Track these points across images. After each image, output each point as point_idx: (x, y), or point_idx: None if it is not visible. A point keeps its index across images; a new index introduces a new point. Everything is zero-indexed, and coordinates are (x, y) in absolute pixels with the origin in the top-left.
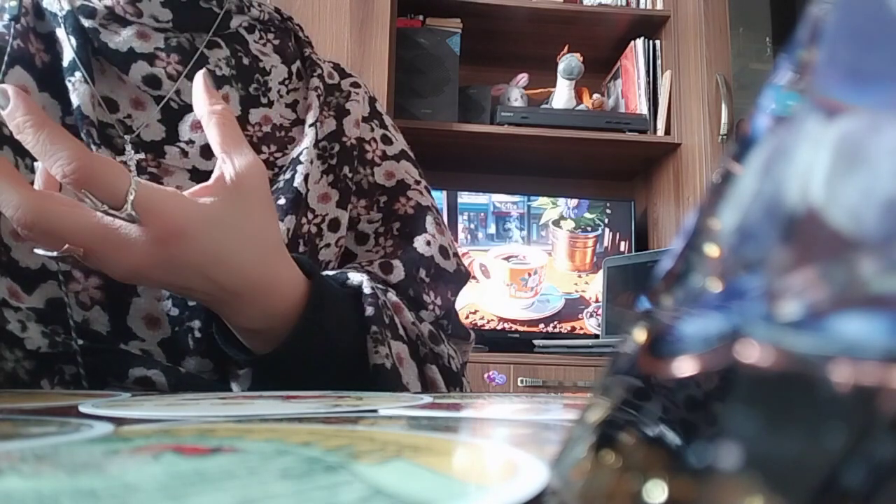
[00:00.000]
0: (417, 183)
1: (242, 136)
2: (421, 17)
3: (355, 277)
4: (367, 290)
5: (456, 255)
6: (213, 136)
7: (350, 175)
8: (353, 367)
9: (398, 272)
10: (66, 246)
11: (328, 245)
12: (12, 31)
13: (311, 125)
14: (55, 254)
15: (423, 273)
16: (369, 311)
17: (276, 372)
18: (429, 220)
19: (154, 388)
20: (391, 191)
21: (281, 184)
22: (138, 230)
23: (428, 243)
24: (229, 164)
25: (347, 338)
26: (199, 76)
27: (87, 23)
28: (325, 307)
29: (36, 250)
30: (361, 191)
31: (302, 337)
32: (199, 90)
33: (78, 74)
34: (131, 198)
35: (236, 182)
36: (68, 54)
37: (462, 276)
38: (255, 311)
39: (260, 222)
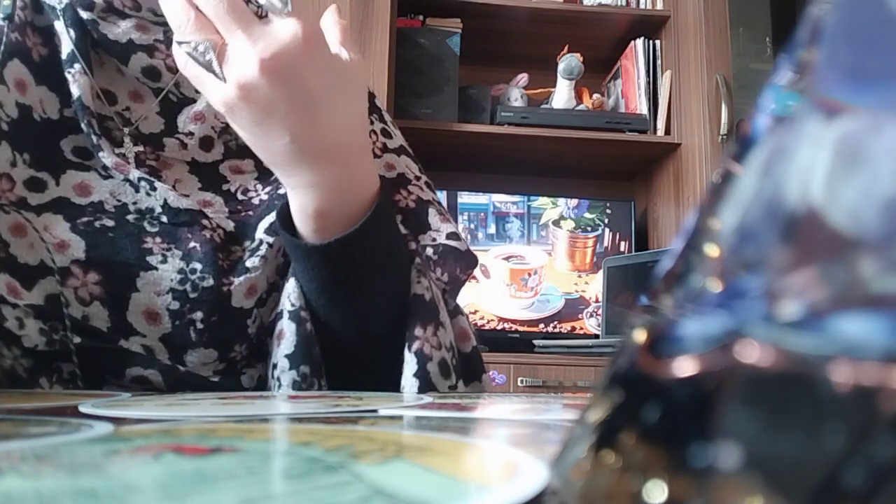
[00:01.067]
0: (417, 178)
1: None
2: (421, 17)
3: None
4: (403, 230)
5: (464, 240)
6: (335, 32)
7: None
8: (399, 291)
9: None
10: (212, 37)
11: None
12: (8, 24)
13: None
14: (194, 45)
15: (430, 251)
16: (412, 245)
17: (334, 266)
18: (431, 212)
19: (152, 388)
20: (391, 182)
21: None
22: (281, 26)
23: (434, 239)
24: (344, 52)
25: (401, 254)
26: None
27: (85, 15)
28: (390, 209)
29: (176, 48)
30: None
31: (374, 224)
32: (330, 12)
33: (77, 66)
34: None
35: (347, 63)
36: (67, 46)
37: (472, 257)
38: (336, 181)
39: (361, 103)
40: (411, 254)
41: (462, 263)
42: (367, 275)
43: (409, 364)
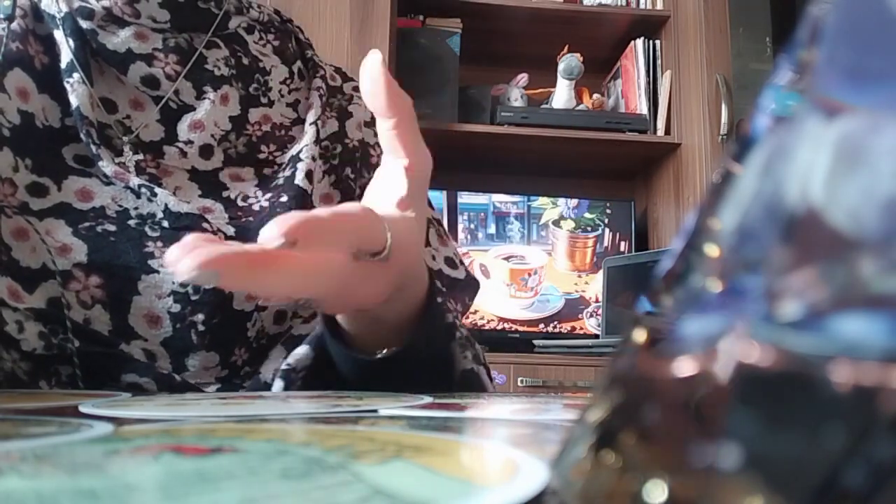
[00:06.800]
0: None
1: (418, 134)
2: (421, 17)
3: None
4: (438, 298)
5: (462, 263)
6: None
7: (352, 176)
8: (443, 372)
9: None
10: (307, 294)
11: None
12: (8, 31)
13: (311, 123)
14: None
15: (438, 283)
16: (450, 317)
17: (387, 372)
18: (432, 232)
19: (147, 395)
20: None
21: (281, 181)
22: (381, 266)
23: (433, 257)
24: (412, 168)
25: (448, 338)
26: (377, 59)
27: (85, 24)
28: (437, 299)
29: (272, 299)
30: None
31: (428, 322)
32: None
33: (76, 76)
34: (389, 242)
35: (419, 184)
36: (66, 55)
37: (473, 283)
38: (410, 294)
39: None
40: (452, 329)
41: (469, 291)
42: (417, 372)
43: None
